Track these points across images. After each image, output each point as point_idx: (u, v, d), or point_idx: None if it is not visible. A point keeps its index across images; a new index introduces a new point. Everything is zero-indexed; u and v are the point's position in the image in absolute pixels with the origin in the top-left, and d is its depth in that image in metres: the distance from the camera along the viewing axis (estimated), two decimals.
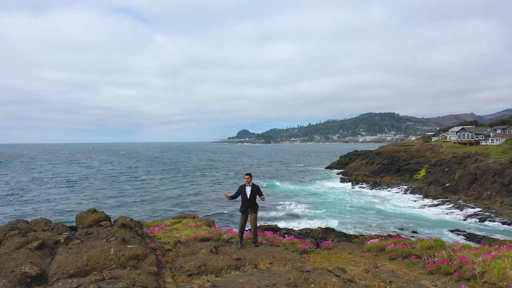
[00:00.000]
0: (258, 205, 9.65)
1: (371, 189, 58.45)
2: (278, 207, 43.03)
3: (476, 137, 71.41)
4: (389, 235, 21.63)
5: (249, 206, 9.36)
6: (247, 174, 9.51)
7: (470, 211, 39.13)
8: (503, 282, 6.24)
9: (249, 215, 9.50)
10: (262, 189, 9.81)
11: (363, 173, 71.09)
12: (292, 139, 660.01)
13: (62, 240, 8.28)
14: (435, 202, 45.00)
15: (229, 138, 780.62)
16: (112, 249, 7.13)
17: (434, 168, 56.26)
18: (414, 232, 31.34)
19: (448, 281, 7.06)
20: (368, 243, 10.39)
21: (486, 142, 68.92)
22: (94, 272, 6.42)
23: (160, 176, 79.35)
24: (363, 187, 60.79)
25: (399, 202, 46.70)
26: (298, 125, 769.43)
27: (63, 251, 7.37)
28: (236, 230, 10.69)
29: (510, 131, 71.90)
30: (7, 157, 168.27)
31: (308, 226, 31.34)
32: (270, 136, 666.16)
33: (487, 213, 37.27)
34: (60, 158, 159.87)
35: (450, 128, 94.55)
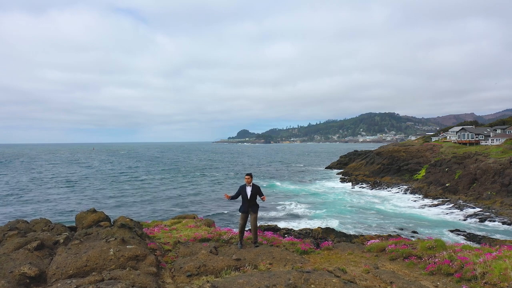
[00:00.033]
0: (259, 206, 9.63)
1: (371, 189, 58.42)
2: (278, 207, 43.01)
3: (476, 137, 71.38)
4: (389, 235, 21.61)
5: (249, 206, 9.33)
6: (247, 174, 9.48)
7: (470, 211, 39.10)
8: (504, 283, 6.21)
9: (249, 215, 9.47)
10: (262, 189, 9.77)
11: (363, 173, 71.06)
12: (292, 139, 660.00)
13: (62, 241, 8.25)
14: (435, 202, 44.97)
15: (229, 138, 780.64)
16: (112, 250, 7.10)
17: (434, 168, 56.23)
18: (414, 232, 31.31)
19: (449, 281, 7.03)
20: (368, 243, 10.36)
21: (486, 142, 68.90)
22: (93, 273, 6.39)
23: (160, 176, 79.32)
24: (363, 187, 60.76)
25: (399, 202, 46.67)
26: (298, 125, 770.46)
27: (62, 251, 7.34)
28: (236, 230, 10.66)
29: (510, 131, 71.86)
30: (7, 157, 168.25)
31: (308, 226, 31.32)
32: (270, 136, 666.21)
33: (487, 213, 37.24)
34: (60, 158, 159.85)
35: (450, 128, 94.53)
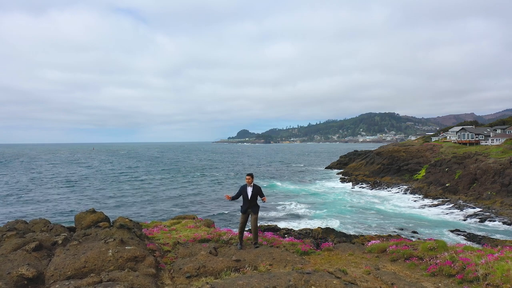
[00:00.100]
0: (259, 206, 9.57)
1: (371, 189, 58.37)
2: (278, 207, 42.95)
3: (476, 137, 71.34)
4: (390, 236, 21.55)
5: (250, 206, 9.28)
6: (248, 175, 9.42)
7: (470, 211, 39.05)
8: (506, 285, 6.15)
9: (249, 216, 9.42)
10: (262, 189, 9.72)
11: (363, 173, 71.02)
12: (292, 139, 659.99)
13: (60, 241, 8.19)
14: (435, 202, 44.93)
15: (229, 138, 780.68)
16: (110, 251, 7.04)
17: (434, 168, 56.18)
18: (414, 232, 31.26)
19: (450, 283, 6.97)
20: (369, 244, 10.30)
21: (486, 142, 68.86)
22: (92, 274, 6.34)
23: (160, 176, 79.26)
24: (363, 187, 60.71)
25: (399, 202, 46.62)
26: (298, 125, 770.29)
27: (61, 252, 7.28)
28: (235, 231, 10.61)
29: (510, 131, 71.83)
30: (7, 157, 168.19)
31: (308, 226, 31.26)
32: (270, 136, 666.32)
33: (487, 213, 37.20)
34: (60, 158, 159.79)
35: (450, 128, 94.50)
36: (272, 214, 39.30)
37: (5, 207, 41.82)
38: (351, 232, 29.97)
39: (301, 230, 28.06)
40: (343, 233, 27.69)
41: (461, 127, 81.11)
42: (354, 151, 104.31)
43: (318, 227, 28.72)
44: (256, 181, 9.78)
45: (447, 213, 39.51)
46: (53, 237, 8.53)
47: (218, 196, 50.95)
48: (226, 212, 39.28)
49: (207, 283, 6.33)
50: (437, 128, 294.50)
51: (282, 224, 32.49)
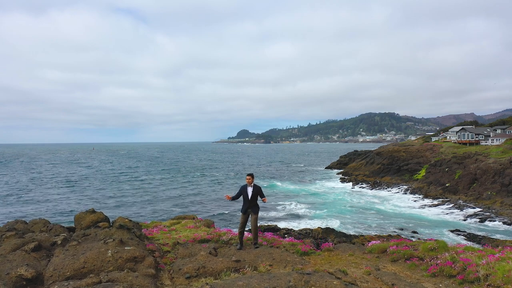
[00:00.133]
0: (259, 207, 9.54)
1: (371, 189, 58.34)
2: (278, 207, 42.92)
3: (476, 137, 71.32)
4: (390, 236, 21.55)
5: (250, 207, 9.25)
6: (248, 175, 9.40)
7: (470, 211, 39.02)
8: (508, 285, 6.12)
9: (249, 216, 9.39)
10: (262, 189, 9.69)
11: (363, 173, 70.99)
12: (292, 139, 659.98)
13: (59, 242, 8.16)
14: (435, 202, 44.90)
15: (229, 138, 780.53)
16: (110, 251, 7.02)
17: (434, 168, 56.16)
18: (414, 232, 31.23)
19: (451, 283, 6.95)
20: (369, 244, 10.27)
21: (486, 142, 68.83)
22: (91, 275, 6.31)
23: (160, 176, 79.24)
24: (363, 187, 60.68)
25: (399, 202, 46.60)
26: (298, 125, 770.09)
27: (60, 253, 7.26)
28: (235, 231, 10.58)
29: (510, 131, 71.81)
30: (7, 157, 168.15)
31: (308, 226, 31.22)
32: (270, 136, 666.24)
33: (487, 213, 37.17)
34: (60, 158, 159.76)
35: (450, 128, 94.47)
36: (272, 214, 39.27)
37: (5, 207, 41.79)
38: (351, 232, 29.93)
39: (301, 230, 28.02)
40: (343, 233, 27.66)
41: (461, 127, 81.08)
42: (354, 151, 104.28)
43: (318, 227, 28.68)
44: (256, 181, 9.75)
45: (447, 213, 39.48)
46: (53, 237, 8.50)
47: (218, 196, 50.92)
48: (226, 212, 39.25)
49: (207, 283, 6.30)
50: (437, 128, 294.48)
51: (282, 224, 32.45)
